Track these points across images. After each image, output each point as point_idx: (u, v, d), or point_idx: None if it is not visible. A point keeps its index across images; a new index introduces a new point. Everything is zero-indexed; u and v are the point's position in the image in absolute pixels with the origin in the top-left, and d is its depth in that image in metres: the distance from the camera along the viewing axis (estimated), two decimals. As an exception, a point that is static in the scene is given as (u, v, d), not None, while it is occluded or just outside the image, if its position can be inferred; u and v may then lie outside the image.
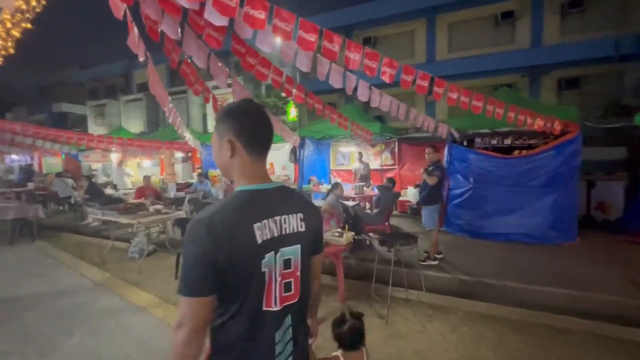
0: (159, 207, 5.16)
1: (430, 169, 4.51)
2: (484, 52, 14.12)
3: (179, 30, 2.42)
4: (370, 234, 3.80)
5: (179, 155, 10.72)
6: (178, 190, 8.24)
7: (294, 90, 4.11)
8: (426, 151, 4.70)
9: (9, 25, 4.47)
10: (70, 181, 10.06)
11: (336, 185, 4.88)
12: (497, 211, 5.55)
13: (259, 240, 0.89)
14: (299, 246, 1.00)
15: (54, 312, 3.26)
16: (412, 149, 8.48)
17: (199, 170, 11.52)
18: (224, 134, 0.96)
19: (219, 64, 3.24)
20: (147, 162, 11.56)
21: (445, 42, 15.10)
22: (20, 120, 18.05)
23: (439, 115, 14.85)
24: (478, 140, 5.98)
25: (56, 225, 7.63)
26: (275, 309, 0.93)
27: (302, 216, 1.02)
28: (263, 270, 0.90)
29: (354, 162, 9.52)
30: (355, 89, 3.55)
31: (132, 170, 10.71)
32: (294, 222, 1.00)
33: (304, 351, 1.05)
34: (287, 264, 0.97)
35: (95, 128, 20.37)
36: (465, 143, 6.07)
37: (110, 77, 22.99)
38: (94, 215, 4.54)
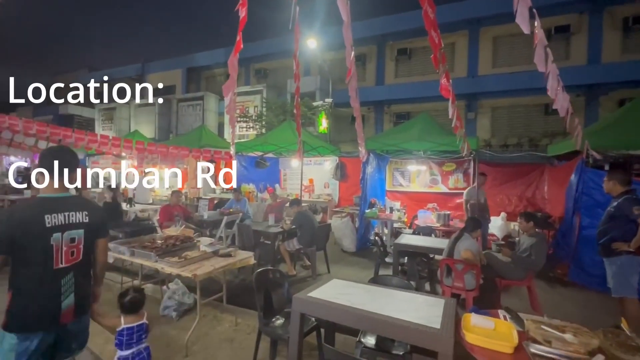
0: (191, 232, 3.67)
1: (624, 202, 3.02)
2: (533, 68, 13.00)
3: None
4: (503, 310, 2.02)
5: (204, 165, 9.21)
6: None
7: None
8: (607, 177, 3.23)
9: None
10: (73, 190, 8.51)
11: (477, 224, 3.35)
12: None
13: (48, 225, 1.55)
14: (82, 230, 1.68)
15: None
16: (493, 171, 7.03)
17: (218, 183, 10.02)
18: (38, 165, 1.67)
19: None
20: (168, 173, 10.00)
21: (490, 56, 14.05)
22: (23, 120, 16.66)
23: (480, 133, 13.63)
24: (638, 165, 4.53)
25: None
26: (61, 266, 1.60)
27: (86, 213, 1.71)
28: (51, 243, 1.56)
29: (414, 183, 8.05)
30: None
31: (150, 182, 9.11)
32: (79, 216, 1.67)
33: (84, 293, 1.73)
34: (72, 240, 1.64)
35: (102, 132, 19.04)
36: (607, 167, 4.63)
37: (120, 79, 21.89)
38: (119, 254, 2.98)
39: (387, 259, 4.34)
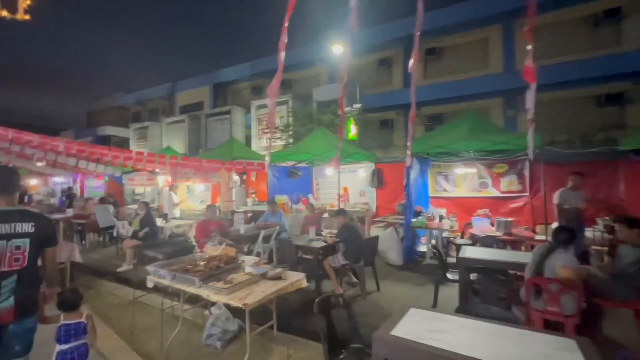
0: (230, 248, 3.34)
1: None
2: (579, 58, 11.94)
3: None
4: None
5: (236, 178, 9.09)
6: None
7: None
8: None
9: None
10: (111, 208, 8.65)
11: (571, 235, 2.78)
12: None
13: None
14: (28, 239, 1.86)
15: None
16: (552, 171, 6.26)
17: (252, 195, 9.84)
18: None
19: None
20: (199, 187, 9.99)
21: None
22: (66, 142, 17.70)
23: (522, 132, 12.61)
24: None
25: (95, 267, 6.00)
26: (3, 269, 1.77)
27: (33, 224, 1.89)
28: None
29: (460, 187, 7.40)
30: None
31: (177, 196, 9.14)
32: (25, 227, 1.86)
33: (27, 296, 1.86)
34: (17, 247, 1.83)
35: (137, 150, 19.86)
36: None
37: (152, 99, 23.07)
38: (159, 279, 2.71)
39: (449, 275, 3.80)
